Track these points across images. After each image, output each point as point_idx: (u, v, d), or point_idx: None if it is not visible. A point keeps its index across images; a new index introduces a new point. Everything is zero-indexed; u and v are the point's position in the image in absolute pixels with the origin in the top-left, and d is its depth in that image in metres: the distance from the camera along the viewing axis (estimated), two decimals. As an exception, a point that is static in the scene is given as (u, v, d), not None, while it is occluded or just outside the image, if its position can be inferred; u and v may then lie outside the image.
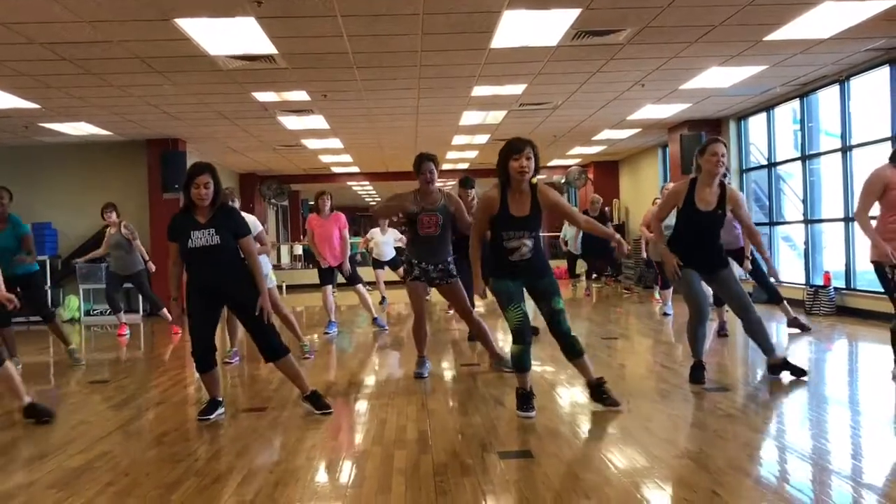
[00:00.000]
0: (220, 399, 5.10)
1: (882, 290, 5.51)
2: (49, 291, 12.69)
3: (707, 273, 5.50)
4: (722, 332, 7.89)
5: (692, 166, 5.60)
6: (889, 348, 5.37)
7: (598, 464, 3.81)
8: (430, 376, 6.22)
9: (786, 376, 5.63)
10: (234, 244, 4.89)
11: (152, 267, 10.19)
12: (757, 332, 5.57)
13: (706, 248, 5.42)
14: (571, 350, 4.82)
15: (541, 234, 4.89)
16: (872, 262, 5.33)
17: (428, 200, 6.06)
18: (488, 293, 5.08)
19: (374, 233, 13.17)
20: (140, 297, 11.83)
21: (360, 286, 9.32)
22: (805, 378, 5.54)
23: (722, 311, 7.95)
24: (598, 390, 4.88)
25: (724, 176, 5.49)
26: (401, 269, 6.27)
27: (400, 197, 6.24)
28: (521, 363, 4.78)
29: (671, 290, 10.13)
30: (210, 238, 4.78)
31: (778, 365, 5.67)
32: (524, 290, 4.86)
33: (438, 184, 6.29)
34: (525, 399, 4.82)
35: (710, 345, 6.89)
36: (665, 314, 9.97)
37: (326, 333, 9.18)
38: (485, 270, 4.92)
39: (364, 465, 3.89)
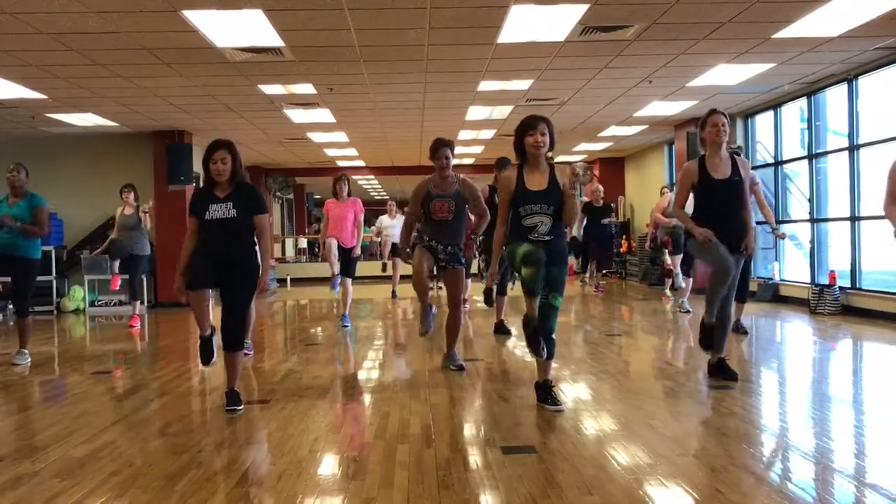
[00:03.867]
0: (238, 390, 5.09)
1: (888, 290, 5.50)
2: (55, 282, 12.79)
3: (732, 251, 5.35)
4: (740, 329, 7.82)
5: (697, 147, 5.57)
6: (893, 348, 5.34)
7: (602, 460, 3.80)
8: (433, 372, 6.22)
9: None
10: (249, 220, 4.93)
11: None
12: (724, 325, 5.52)
13: (729, 221, 5.30)
14: (548, 349, 4.77)
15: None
16: None
17: (442, 186, 6.05)
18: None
19: (383, 219, 13.23)
20: (146, 288, 11.84)
21: (349, 281, 9.17)
22: (733, 384, 5.43)
23: (741, 307, 7.84)
24: (545, 389, 4.87)
25: (738, 152, 5.44)
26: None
27: (416, 188, 6.20)
28: (532, 340, 4.71)
29: (691, 280, 10.04)
30: (227, 211, 4.85)
31: (716, 365, 5.61)
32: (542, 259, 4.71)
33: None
34: (545, 390, 4.83)
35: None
36: (685, 311, 9.87)
37: (345, 327, 9.20)
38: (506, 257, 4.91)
39: (367, 459, 3.89)
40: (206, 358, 4.99)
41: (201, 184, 5.19)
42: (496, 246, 4.95)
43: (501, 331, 8.24)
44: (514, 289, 7.21)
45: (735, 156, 5.48)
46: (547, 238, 4.73)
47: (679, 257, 10.12)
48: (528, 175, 4.76)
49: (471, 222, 6.61)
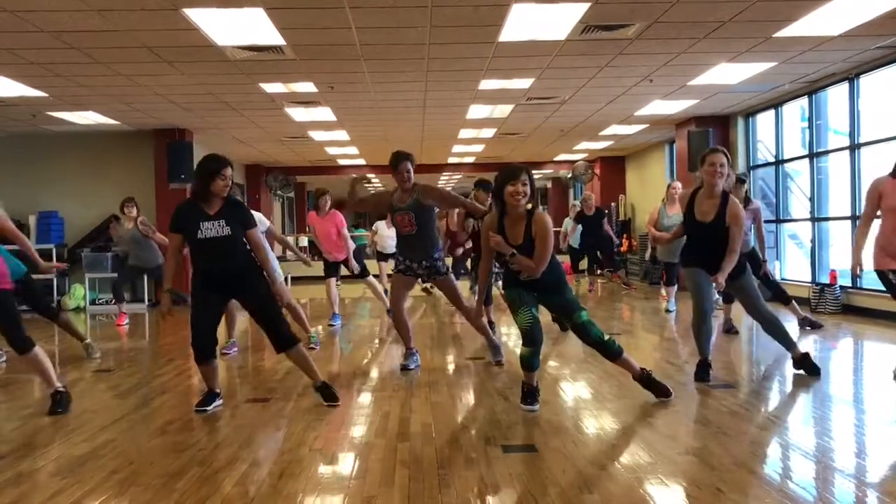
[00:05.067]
0: (218, 391, 5.11)
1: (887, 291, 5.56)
2: (55, 280, 12.79)
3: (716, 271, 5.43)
4: (731, 330, 7.87)
5: (697, 165, 5.60)
6: (894, 347, 5.35)
7: (602, 459, 3.81)
8: (434, 370, 6.22)
9: (795, 371, 5.63)
10: (242, 236, 4.90)
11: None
12: (774, 330, 5.69)
13: (715, 254, 5.34)
14: (609, 353, 4.89)
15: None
16: (875, 270, 5.40)
17: (402, 199, 6.00)
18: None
19: (379, 225, 13.17)
20: (147, 287, 11.85)
21: (371, 278, 9.36)
22: (816, 378, 5.56)
23: (729, 307, 7.95)
24: (646, 381, 4.96)
25: (743, 179, 5.50)
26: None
27: (383, 193, 6.25)
28: (529, 364, 4.82)
29: (675, 287, 10.11)
30: (221, 229, 4.79)
31: (798, 360, 5.75)
32: (536, 298, 4.88)
33: (444, 178, 6.30)
34: (530, 394, 4.85)
35: (716, 341, 6.86)
36: (668, 311, 9.96)
37: (331, 326, 9.21)
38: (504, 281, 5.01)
39: (367, 457, 3.90)
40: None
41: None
42: (481, 281, 5.14)
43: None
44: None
45: (728, 196, 5.45)
46: (536, 276, 4.75)
47: (674, 288, 10.13)
48: (507, 225, 4.76)
49: (456, 235, 6.64)
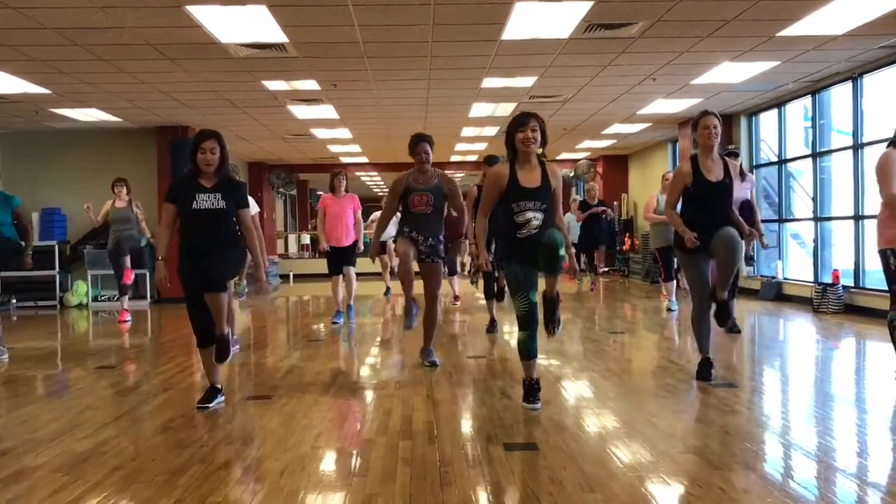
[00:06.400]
0: (220, 387, 5.12)
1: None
2: (58, 277, 12.82)
3: (710, 239, 5.31)
4: (734, 329, 7.85)
5: (692, 145, 5.57)
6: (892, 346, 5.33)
7: (604, 458, 3.81)
8: (438, 367, 6.22)
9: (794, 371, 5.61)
10: (234, 214, 4.92)
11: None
12: (726, 312, 5.50)
13: (717, 223, 5.27)
14: (549, 318, 4.87)
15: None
16: (879, 250, 5.26)
17: (421, 180, 6.09)
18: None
19: (377, 216, 13.19)
20: (149, 285, 11.86)
21: (351, 269, 9.16)
22: (810, 378, 5.53)
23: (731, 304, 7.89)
24: (532, 389, 4.88)
25: (736, 156, 5.47)
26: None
27: (395, 181, 6.24)
28: (526, 350, 4.81)
29: (675, 283, 10.09)
30: (216, 202, 4.81)
31: (704, 362, 5.62)
32: (536, 272, 4.79)
33: (449, 171, 6.33)
34: (531, 390, 4.84)
35: (718, 339, 6.86)
36: (669, 310, 9.94)
37: (334, 323, 9.17)
38: (498, 252, 4.94)
39: (369, 455, 3.90)
40: (222, 356, 4.96)
41: None
42: (479, 237, 4.99)
43: (493, 330, 8.23)
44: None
45: (727, 158, 5.48)
46: (537, 232, 4.70)
47: (672, 283, 10.11)
48: (520, 171, 4.74)
49: (457, 224, 6.65)
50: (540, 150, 4.76)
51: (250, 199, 6.63)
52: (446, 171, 6.26)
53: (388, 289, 13.15)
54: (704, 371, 5.54)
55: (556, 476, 3.52)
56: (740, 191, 7.53)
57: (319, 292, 14.13)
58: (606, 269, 14.22)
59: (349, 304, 9.37)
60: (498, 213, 4.87)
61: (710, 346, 5.61)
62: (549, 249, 4.58)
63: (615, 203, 18.88)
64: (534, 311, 4.77)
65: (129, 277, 10.19)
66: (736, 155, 7.85)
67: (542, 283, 4.81)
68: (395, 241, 6.37)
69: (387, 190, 31.79)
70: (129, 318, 10.23)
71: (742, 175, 7.69)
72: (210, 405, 4.98)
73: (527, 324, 4.76)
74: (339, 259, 9.04)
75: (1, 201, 7.13)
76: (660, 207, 9.24)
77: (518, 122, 4.72)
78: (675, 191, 5.51)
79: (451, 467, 3.66)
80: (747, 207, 7.52)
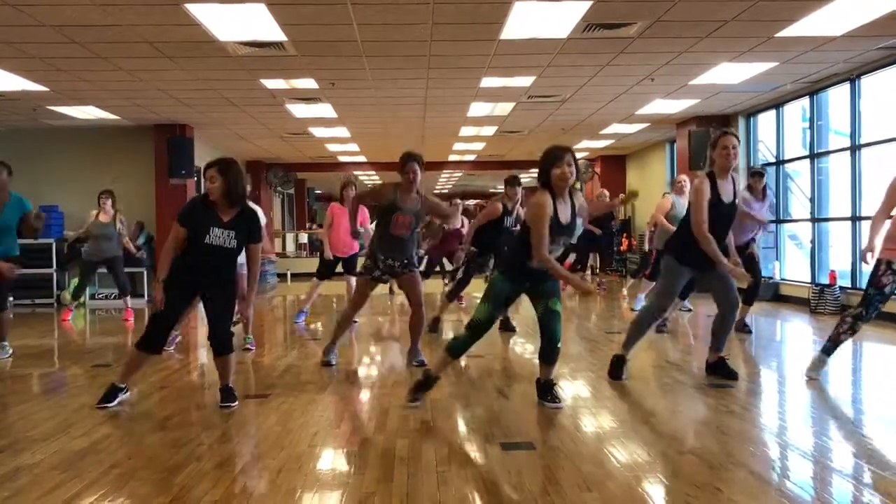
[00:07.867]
0: (122, 386, 5.06)
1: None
2: (55, 275, 12.79)
3: (708, 269, 5.40)
4: (745, 328, 7.86)
5: (705, 160, 5.57)
6: (893, 348, 5.33)
7: (601, 457, 3.81)
8: (427, 367, 6.20)
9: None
10: (244, 248, 4.95)
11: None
12: (729, 321, 5.55)
13: (720, 242, 5.30)
14: (550, 355, 4.83)
15: None
16: (879, 258, 5.28)
17: (408, 202, 6.01)
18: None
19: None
20: (146, 284, 11.84)
21: (353, 278, 9.15)
22: (732, 383, 5.46)
23: (747, 309, 7.88)
24: (546, 388, 4.89)
25: (762, 176, 5.43)
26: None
27: (382, 187, 6.25)
28: (456, 349, 4.83)
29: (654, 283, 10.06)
30: (228, 240, 4.81)
31: (715, 363, 5.65)
32: (521, 294, 4.85)
33: (442, 179, 6.35)
34: (423, 384, 4.91)
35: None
36: (632, 309, 9.88)
37: (296, 323, 9.22)
38: (499, 264, 4.93)
39: (366, 454, 3.90)
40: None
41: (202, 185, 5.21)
42: (558, 271, 4.62)
43: (434, 329, 8.10)
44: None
45: (753, 177, 5.49)
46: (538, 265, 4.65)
47: (652, 284, 10.08)
48: (558, 206, 4.59)
49: (452, 240, 6.70)
50: (576, 184, 4.67)
51: (259, 211, 6.48)
52: (444, 171, 6.27)
53: (391, 288, 13.16)
54: (617, 371, 5.58)
55: (553, 476, 3.52)
56: (762, 210, 7.58)
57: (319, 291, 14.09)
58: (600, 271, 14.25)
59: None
60: (507, 240, 4.86)
61: (634, 347, 5.64)
62: (551, 344, 4.76)
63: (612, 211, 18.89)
64: (489, 328, 4.79)
65: (129, 315, 10.04)
66: (762, 175, 7.83)
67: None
68: (359, 274, 6.37)
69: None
70: (132, 317, 10.13)
71: (764, 193, 7.71)
72: (110, 405, 4.94)
73: (476, 332, 4.75)
74: (334, 269, 9.00)
75: (15, 204, 7.03)
76: (674, 212, 9.06)
77: (553, 158, 4.57)
78: (704, 211, 5.30)
79: (449, 466, 3.66)
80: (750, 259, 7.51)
